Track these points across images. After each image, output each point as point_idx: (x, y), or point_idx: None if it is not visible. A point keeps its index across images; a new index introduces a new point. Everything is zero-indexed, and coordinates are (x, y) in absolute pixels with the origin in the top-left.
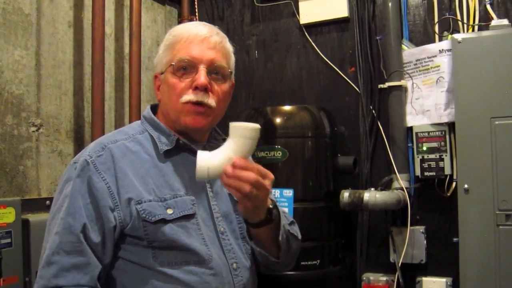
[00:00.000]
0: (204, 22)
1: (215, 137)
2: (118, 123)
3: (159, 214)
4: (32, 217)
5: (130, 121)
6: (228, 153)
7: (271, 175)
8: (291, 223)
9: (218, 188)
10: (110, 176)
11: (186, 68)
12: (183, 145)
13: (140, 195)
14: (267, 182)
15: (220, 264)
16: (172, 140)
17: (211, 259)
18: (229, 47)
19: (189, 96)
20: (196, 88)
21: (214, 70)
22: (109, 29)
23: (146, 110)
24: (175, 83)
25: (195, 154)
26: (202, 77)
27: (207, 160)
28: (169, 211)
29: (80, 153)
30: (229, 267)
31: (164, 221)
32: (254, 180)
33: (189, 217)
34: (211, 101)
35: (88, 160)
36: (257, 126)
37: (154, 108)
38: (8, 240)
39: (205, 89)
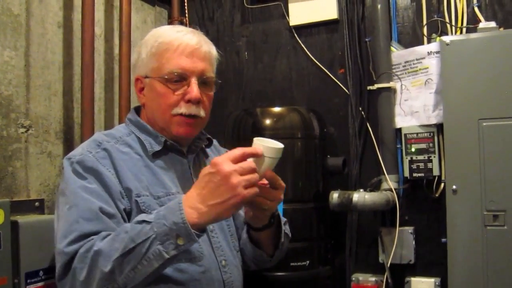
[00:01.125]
0: (191, 29)
1: (199, 137)
2: (108, 124)
3: (156, 209)
4: (21, 219)
5: (120, 122)
6: None
7: (283, 184)
8: (284, 223)
9: None
10: (112, 169)
11: (177, 80)
12: (170, 146)
13: (138, 189)
14: (280, 193)
15: (210, 261)
16: (160, 142)
17: (202, 256)
18: (216, 53)
19: (181, 109)
20: (188, 101)
21: (204, 81)
22: (99, 29)
23: (130, 113)
24: (166, 94)
25: (181, 154)
26: (195, 91)
27: None
28: None
29: (75, 151)
30: (218, 264)
31: None
32: (268, 194)
33: None
34: (202, 112)
35: (89, 155)
36: (279, 146)
37: (138, 110)
38: None
39: (198, 102)
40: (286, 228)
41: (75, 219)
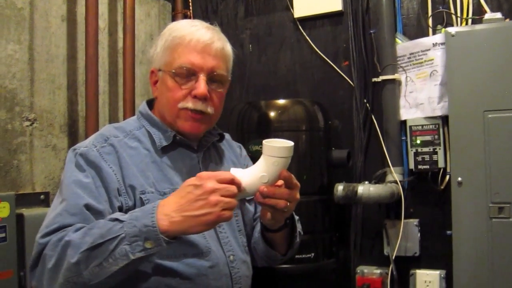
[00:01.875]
0: (207, 24)
1: (210, 132)
2: (112, 117)
3: None
4: (27, 212)
5: (124, 115)
6: (261, 172)
7: (298, 184)
8: (297, 221)
9: None
10: (115, 166)
11: (186, 75)
12: (179, 141)
13: (143, 186)
14: (296, 193)
15: (218, 256)
16: (169, 136)
17: (209, 251)
18: (229, 51)
19: (188, 103)
20: (195, 97)
21: (213, 78)
22: (103, 23)
23: (142, 106)
24: (174, 88)
25: (191, 149)
26: (202, 87)
27: (240, 179)
28: None
29: (81, 143)
30: (226, 260)
31: None
32: (287, 195)
33: None
34: (210, 109)
35: (93, 149)
36: (289, 145)
37: (150, 103)
38: (3, 235)
39: (204, 98)
40: (298, 227)
41: (60, 212)
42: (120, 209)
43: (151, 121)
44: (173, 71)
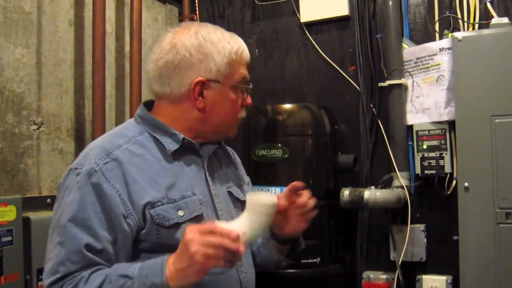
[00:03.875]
0: (233, 33)
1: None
2: (119, 121)
3: (173, 218)
4: (33, 215)
5: None
6: (244, 228)
7: (306, 193)
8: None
9: (218, 185)
10: (120, 183)
11: (245, 87)
12: (187, 144)
13: (152, 199)
14: (305, 197)
15: None
16: (177, 139)
17: None
18: None
19: (243, 113)
20: (245, 106)
21: None
22: (110, 27)
23: (139, 109)
24: (236, 101)
25: (197, 154)
26: (250, 98)
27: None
28: (180, 213)
29: (81, 160)
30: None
31: (177, 225)
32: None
33: (198, 217)
34: None
35: (95, 168)
36: (273, 202)
37: (147, 106)
38: (9, 238)
39: None
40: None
41: (62, 261)
42: (130, 234)
43: (154, 125)
44: (235, 84)
